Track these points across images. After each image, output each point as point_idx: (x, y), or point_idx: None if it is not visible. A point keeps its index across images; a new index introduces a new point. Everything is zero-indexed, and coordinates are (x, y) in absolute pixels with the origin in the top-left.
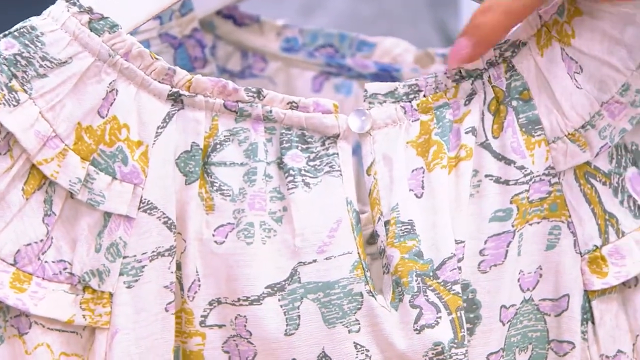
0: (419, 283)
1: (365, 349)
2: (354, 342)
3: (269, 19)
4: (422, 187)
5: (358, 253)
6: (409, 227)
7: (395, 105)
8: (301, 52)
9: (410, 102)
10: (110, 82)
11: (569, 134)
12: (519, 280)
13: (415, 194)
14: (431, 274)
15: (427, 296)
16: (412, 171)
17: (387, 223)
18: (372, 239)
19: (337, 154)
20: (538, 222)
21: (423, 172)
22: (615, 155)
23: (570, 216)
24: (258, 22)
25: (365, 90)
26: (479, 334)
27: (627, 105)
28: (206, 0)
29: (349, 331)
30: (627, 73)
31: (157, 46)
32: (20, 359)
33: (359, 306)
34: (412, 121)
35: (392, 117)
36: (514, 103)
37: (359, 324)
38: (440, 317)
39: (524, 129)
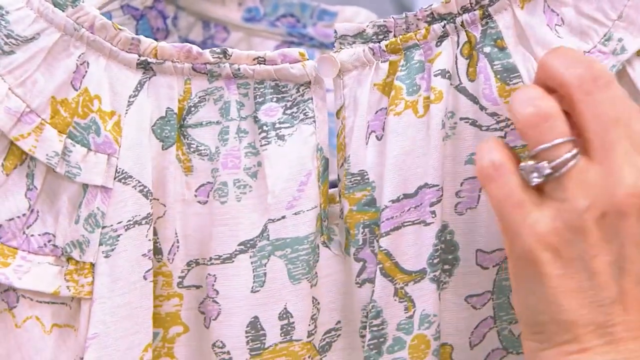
0: (365, 235)
1: (317, 302)
2: (313, 297)
3: None
4: (383, 130)
5: (320, 204)
6: (359, 178)
7: (364, 46)
8: (263, 22)
9: (379, 42)
10: (80, 55)
11: None
12: None
13: (376, 136)
14: (379, 222)
15: (372, 247)
16: (376, 112)
17: (340, 173)
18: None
19: (312, 98)
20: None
21: (385, 114)
22: None
23: None
24: None
25: (335, 32)
26: (458, 276)
27: (609, 55)
28: None
29: (311, 286)
30: (608, 23)
31: (120, 18)
32: (12, 333)
33: (317, 259)
34: (382, 62)
35: (360, 59)
36: (487, 49)
37: (317, 276)
38: None
39: (498, 76)
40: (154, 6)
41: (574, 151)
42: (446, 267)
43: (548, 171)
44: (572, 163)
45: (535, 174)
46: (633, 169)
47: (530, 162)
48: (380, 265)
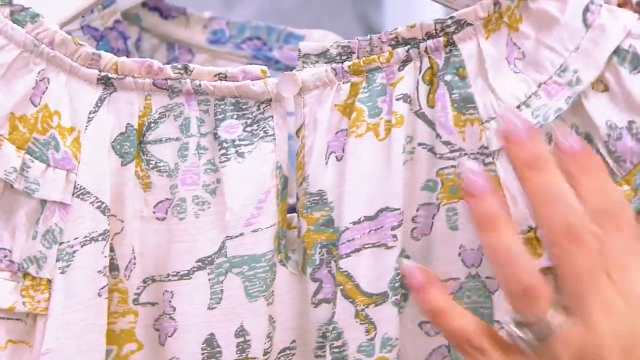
0: (322, 255)
1: (273, 320)
2: (269, 315)
3: (195, 12)
4: (343, 151)
5: (278, 222)
6: (317, 197)
7: (327, 66)
8: (228, 44)
9: (342, 63)
10: (40, 71)
11: None
12: (460, 254)
13: (336, 156)
14: (337, 243)
15: (329, 267)
16: (336, 133)
17: (299, 193)
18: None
19: (272, 116)
20: None
21: (345, 136)
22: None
23: (504, 196)
24: (185, 15)
25: (299, 50)
26: (412, 301)
27: (564, 86)
28: None
29: (268, 304)
30: (565, 54)
31: (79, 38)
32: None
33: (274, 277)
34: (343, 83)
35: (321, 79)
36: (448, 78)
37: (273, 294)
38: (335, 291)
39: (455, 105)
40: (114, 27)
41: (560, 319)
42: (403, 291)
43: (535, 343)
44: (558, 330)
45: (522, 343)
46: (611, 321)
47: (516, 330)
48: (341, 287)
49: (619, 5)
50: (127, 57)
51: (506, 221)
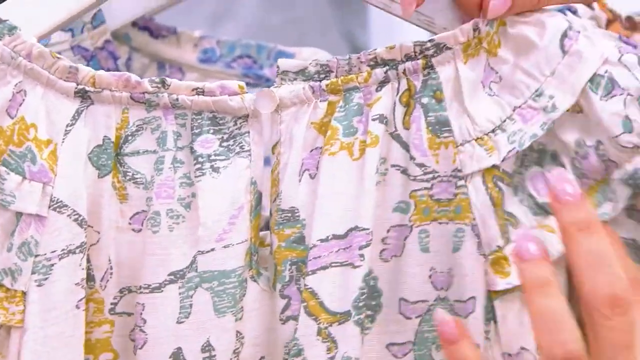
0: (292, 272)
1: (241, 336)
2: (237, 331)
3: (186, 31)
4: (317, 169)
5: (250, 238)
6: (289, 214)
7: (305, 84)
8: (219, 63)
9: (320, 81)
10: (17, 84)
11: (477, 138)
12: (430, 277)
13: (310, 174)
14: (306, 260)
15: (298, 285)
16: (311, 151)
17: (272, 209)
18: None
19: (249, 132)
20: (446, 223)
21: (320, 154)
22: (521, 155)
23: (474, 219)
24: (175, 34)
25: (278, 67)
26: (379, 322)
27: (539, 111)
28: (118, 13)
29: (236, 319)
30: (541, 79)
31: (70, 59)
32: None
33: (245, 292)
34: (320, 101)
35: (299, 97)
36: (425, 100)
37: (242, 310)
38: None
39: (430, 128)
40: (104, 47)
41: None
42: (369, 312)
43: None
44: None
45: None
46: None
47: None
48: (305, 304)
49: (609, 21)
50: None
51: (556, 286)
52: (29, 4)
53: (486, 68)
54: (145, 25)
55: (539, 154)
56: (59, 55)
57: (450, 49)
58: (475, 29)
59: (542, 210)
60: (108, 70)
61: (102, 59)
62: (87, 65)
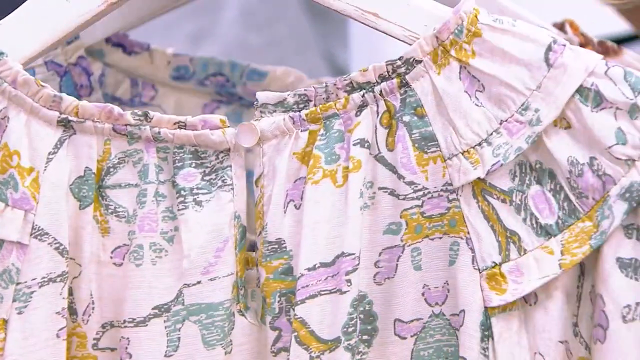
0: (281, 303)
1: None
2: None
3: (159, 48)
4: (301, 199)
5: (236, 271)
6: (276, 246)
7: (284, 115)
8: (192, 80)
9: (299, 111)
10: (1, 110)
11: (464, 151)
12: (423, 294)
13: (295, 205)
14: (295, 291)
15: (288, 316)
16: (295, 181)
17: (258, 242)
18: (256, 247)
19: (231, 166)
20: (440, 238)
21: (304, 183)
22: (519, 174)
23: (468, 232)
24: (148, 51)
25: (256, 100)
26: (376, 346)
27: (525, 124)
28: (91, 29)
29: (226, 353)
30: (526, 93)
31: (43, 74)
32: None
33: (233, 326)
34: (301, 131)
35: (280, 128)
36: (406, 118)
37: (232, 344)
38: None
39: (416, 145)
40: (77, 63)
41: None
42: (365, 337)
43: None
44: None
45: None
46: None
47: None
48: (295, 334)
49: (581, 45)
50: (90, 92)
51: None
52: (14, 29)
53: (464, 77)
54: (118, 41)
55: (538, 173)
56: (43, 84)
57: (420, 61)
58: (437, 36)
59: (544, 231)
60: (81, 86)
61: (75, 75)
62: (60, 81)
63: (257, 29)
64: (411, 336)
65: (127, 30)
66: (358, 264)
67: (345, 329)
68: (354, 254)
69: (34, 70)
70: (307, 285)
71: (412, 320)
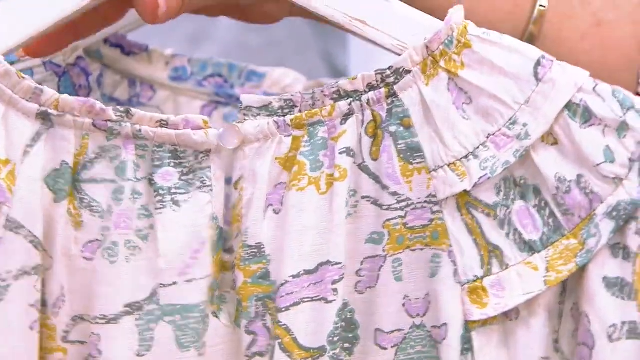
0: (258, 308)
1: None
2: None
3: (157, 48)
4: (281, 204)
5: (212, 273)
6: (256, 250)
7: (269, 119)
8: (190, 81)
9: (284, 117)
10: None
11: (450, 163)
12: (404, 305)
13: (274, 210)
14: (273, 296)
15: (264, 321)
16: (275, 186)
17: (235, 245)
18: (232, 250)
19: (210, 167)
20: (421, 249)
21: (284, 189)
22: (504, 188)
23: (451, 245)
24: (146, 52)
25: (241, 103)
26: (357, 355)
27: (513, 139)
28: None
29: (199, 354)
30: (515, 107)
31: (42, 74)
32: None
33: (207, 327)
34: (285, 136)
35: (263, 132)
36: (393, 129)
37: (205, 345)
38: (270, 345)
39: (402, 156)
40: (76, 63)
41: None
42: (346, 345)
43: None
44: None
45: None
46: None
47: None
48: (279, 340)
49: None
50: (89, 93)
51: None
52: None
53: (453, 88)
54: (117, 42)
55: (522, 189)
56: (24, 76)
57: (409, 72)
58: (427, 46)
59: (528, 246)
60: (80, 87)
61: (74, 75)
62: (59, 81)
63: (256, 30)
64: (392, 347)
65: (125, 31)
66: (344, 274)
67: (330, 338)
68: (340, 263)
69: (32, 71)
70: (291, 293)
71: (393, 331)
